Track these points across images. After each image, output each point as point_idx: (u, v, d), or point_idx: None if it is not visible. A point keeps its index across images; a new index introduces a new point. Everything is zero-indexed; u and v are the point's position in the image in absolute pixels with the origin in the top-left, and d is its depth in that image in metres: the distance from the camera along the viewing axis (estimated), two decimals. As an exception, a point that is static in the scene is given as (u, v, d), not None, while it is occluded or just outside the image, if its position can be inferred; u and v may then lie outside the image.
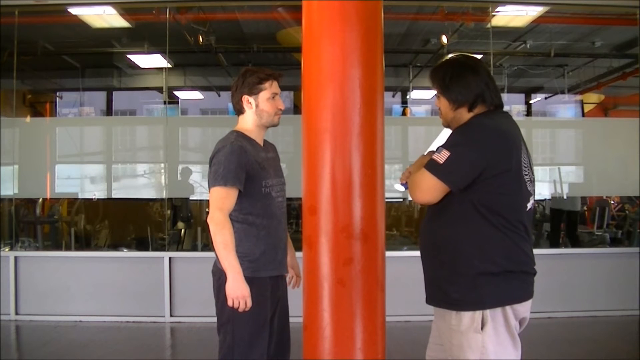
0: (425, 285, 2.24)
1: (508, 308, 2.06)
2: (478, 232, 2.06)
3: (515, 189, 2.08)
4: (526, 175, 2.11)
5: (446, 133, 2.22)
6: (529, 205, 2.15)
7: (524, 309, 2.12)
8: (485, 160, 2.03)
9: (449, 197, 2.09)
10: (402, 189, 2.31)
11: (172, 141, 6.34)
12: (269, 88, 2.60)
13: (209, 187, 2.49)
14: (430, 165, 2.09)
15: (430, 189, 2.09)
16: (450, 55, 2.36)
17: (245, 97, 2.60)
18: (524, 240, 2.12)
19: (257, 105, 2.60)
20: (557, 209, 7.59)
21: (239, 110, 2.65)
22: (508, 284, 2.07)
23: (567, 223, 7.53)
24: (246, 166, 2.47)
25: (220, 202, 2.42)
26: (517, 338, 2.10)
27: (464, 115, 2.17)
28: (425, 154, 2.30)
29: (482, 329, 2.03)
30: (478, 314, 2.04)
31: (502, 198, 2.05)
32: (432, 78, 2.25)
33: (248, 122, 2.63)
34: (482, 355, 2.03)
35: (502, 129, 2.10)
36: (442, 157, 2.06)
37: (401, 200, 8.32)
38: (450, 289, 2.09)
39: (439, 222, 2.16)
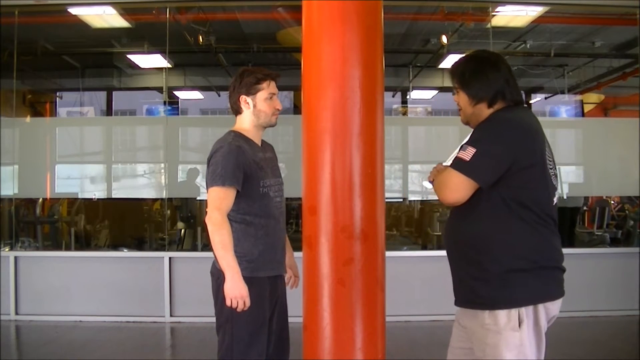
0: (454, 286, 2.18)
1: (540, 307, 2.02)
2: (508, 228, 2.02)
3: (542, 183, 2.05)
4: (551, 169, 2.08)
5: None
6: (555, 200, 2.12)
7: (555, 307, 2.09)
8: (512, 154, 1.99)
9: (476, 193, 2.05)
10: (430, 186, 2.27)
11: (172, 141, 6.34)
12: (267, 88, 2.60)
13: (207, 187, 2.49)
14: (457, 163, 2.05)
15: (459, 187, 2.04)
16: (470, 51, 2.32)
17: (242, 97, 2.60)
18: (554, 234, 2.09)
19: (254, 106, 2.60)
20: (560, 207, 7.57)
21: (236, 111, 2.65)
22: (540, 280, 2.03)
23: (566, 221, 7.51)
24: (244, 166, 2.47)
25: (218, 202, 2.42)
26: (543, 339, 2.06)
27: (484, 111, 2.13)
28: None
29: (519, 326, 1.99)
30: (514, 311, 1.99)
31: (531, 192, 2.02)
32: (452, 73, 2.22)
33: (246, 122, 2.63)
34: (519, 353, 1.99)
35: (524, 123, 2.07)
36: (467, 154, 2.01)
37: (401, 200, 8.32)
38: (482, 287, 2.04)
39: (466, 220, 2.10)
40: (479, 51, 2.30)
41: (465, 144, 2.06)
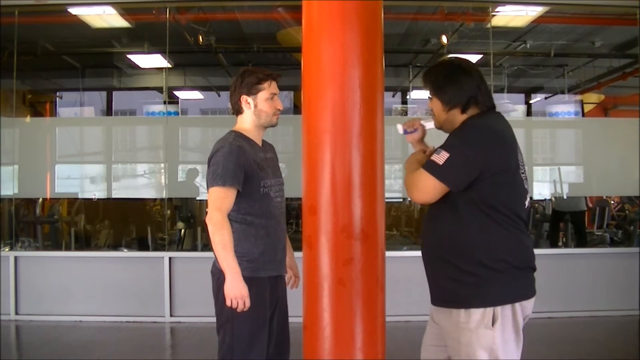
0: (429, 286, 2.23)
1: (517, 305, 2.07)
2: (483, 230, 2.08)
3: (514, 187, 2.11)
4: (523, 173, 2.15)
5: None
6: (527, 203, 2.18)
7: (530, 305, 2.14)
8: (484, 160, 2.05)
9: (451, 196, 2.10)
10: (401, 131, 2.34)
11: (172, 141, 6.34)
12: (268, 88, 2.60)
13: (208, 187, 2.49)
14: (429, 166, 2.10)
15: (429, 189, 2.11)
16: (443, 58, 2.38)
17: (243, 97, 2.60)
18: (525, 235, 2.16)
19: (255, 106, 2.60)
20: (558, 210, 7.59)
21: (237, 111, 2.65)
22: (516, 280, 2.09)
23: (573, 224, 7.49)
24: (244, 166, 2.47)
25: (218, 202, 2.42)
26: (521, 335, 2.11)
27: (457, 117, 2.19)
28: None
29: (492, 325, 2.04)
30: (489, 310, 2.04)
31: (503, 196, 2.08)
32: (425, 79, 2.28)
33: (246, 122, 2.64)
34: (492, 352, 2.03)
35: (497, 130, 2.13)
36: (441, 158, 2.07)
37: (401, 200, 8.32)
38: (458, 287, 2.09)
39: (443, 222, 2.16)
40: (450, 58, 2.36)
41: (439, 147, 2.13)
